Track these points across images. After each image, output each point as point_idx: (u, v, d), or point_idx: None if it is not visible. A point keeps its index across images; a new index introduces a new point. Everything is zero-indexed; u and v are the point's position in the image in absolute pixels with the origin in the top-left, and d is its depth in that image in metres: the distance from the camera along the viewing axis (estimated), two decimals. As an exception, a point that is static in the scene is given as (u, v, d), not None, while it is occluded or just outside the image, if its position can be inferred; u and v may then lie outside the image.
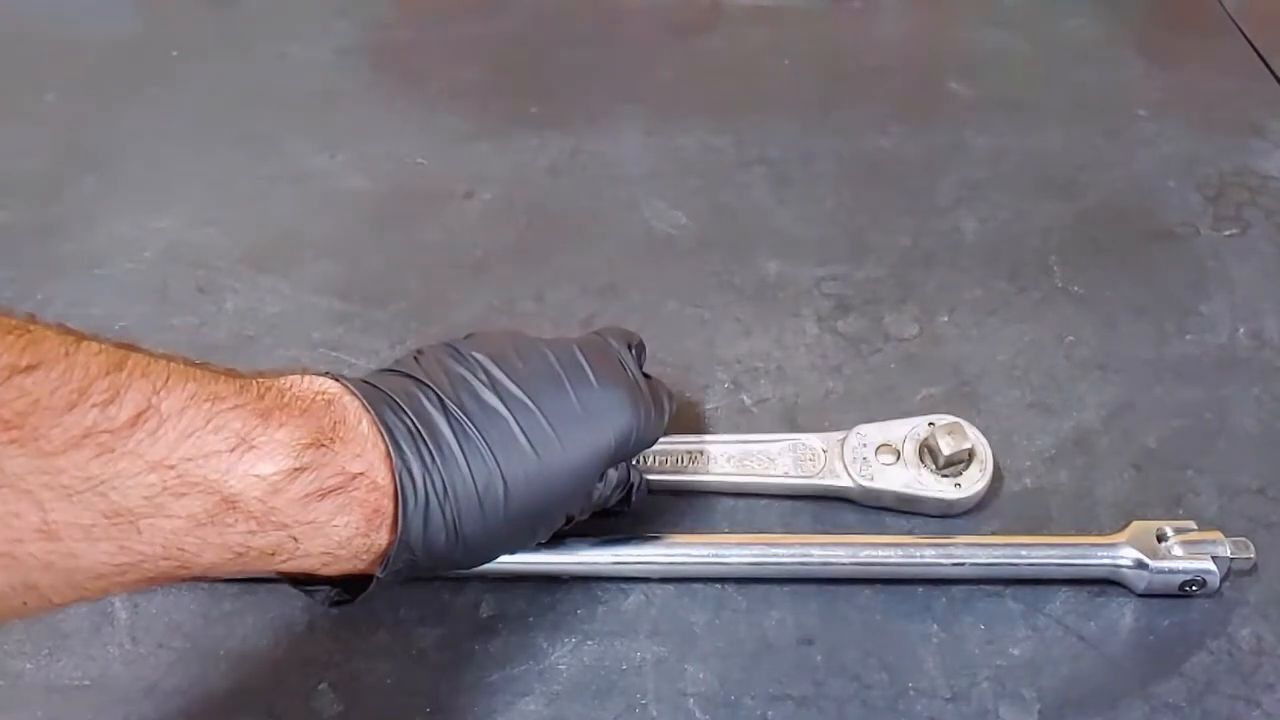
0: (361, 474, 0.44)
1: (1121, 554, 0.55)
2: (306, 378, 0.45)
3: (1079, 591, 0.56)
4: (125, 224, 0.81)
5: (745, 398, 0.67)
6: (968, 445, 0.59)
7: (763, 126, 0.84)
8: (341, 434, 0.44)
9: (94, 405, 0.36)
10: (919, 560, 0.56)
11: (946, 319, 0.72)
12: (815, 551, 0.56)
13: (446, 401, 0.47)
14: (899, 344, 0.66)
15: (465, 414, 0.47)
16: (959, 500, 0.59)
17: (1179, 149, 0.87)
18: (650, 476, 0.61)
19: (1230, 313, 0.72)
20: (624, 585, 0.57)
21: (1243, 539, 0.55)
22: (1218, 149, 0.87)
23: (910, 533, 0.59)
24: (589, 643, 0.55)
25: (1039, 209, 0.81)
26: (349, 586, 0.47)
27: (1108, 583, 0.56)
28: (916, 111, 0.92)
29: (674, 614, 0.56)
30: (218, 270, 0.77)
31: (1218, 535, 0.55)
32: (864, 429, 0.62)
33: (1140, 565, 0.55)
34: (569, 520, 0.53)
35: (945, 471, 0.59)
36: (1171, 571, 0.54)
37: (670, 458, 0.62)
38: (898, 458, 0.60)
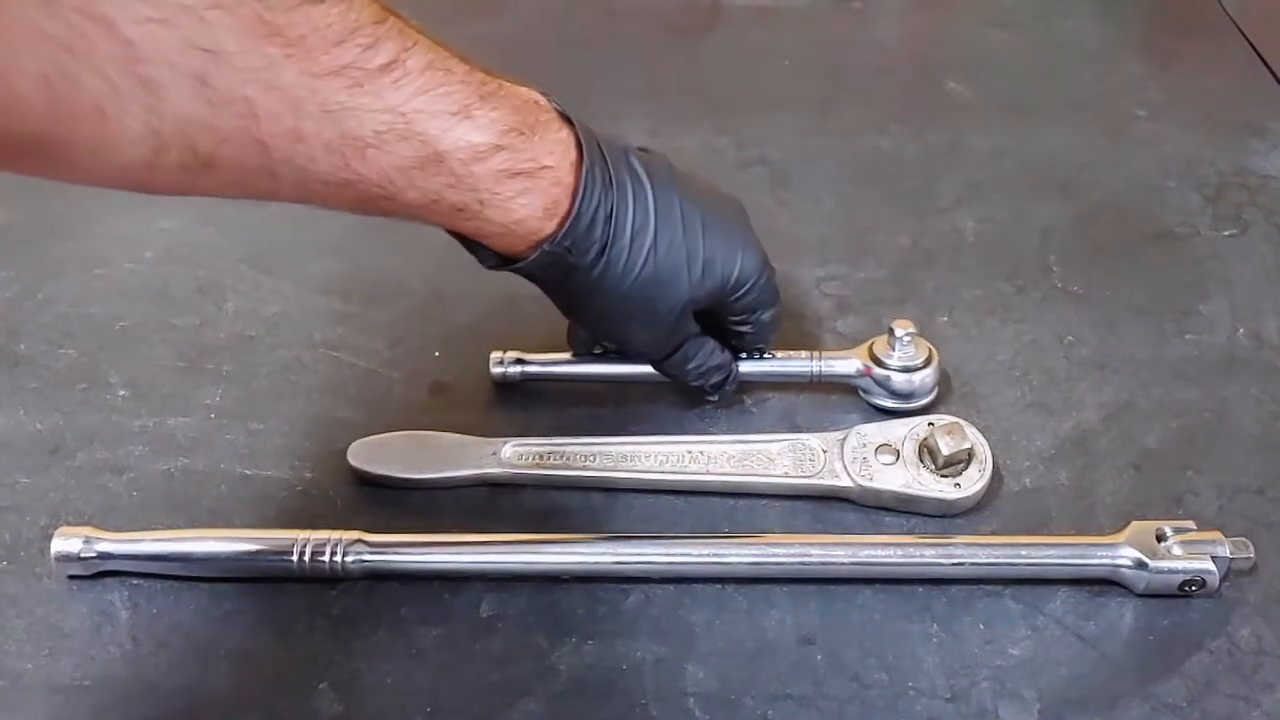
0: (550, 168, 0.51)
1: (1121, 554, 0.55)
2: (527, 88, 0.53)
3: (1078, 591, 0.56)
4: (125, 224, 0.81)
5: (745, 397, 0.67)
6: (967, 445, 0.59)
7: (763, 126, 0.84)
8: (542, 133, 0.51)
9: (357, 45, 0.43)
10: (918, 560, 0.56)
11: (946, 319, 0.72)
12: (815, 551, 0.56)
13: (633, 161, 0.56)
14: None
15: (646, 175, 0.56)
16: (958, 500, 0.59)
17: (1178, 149, 0.87)
18: (650, 476, 0.61)
19: (1230, 313, 0.72)
20: (624, 585, 0.57)
21: (1242, 539, 0.55)
22: (1217, 149, 0.87)
23: (910, 533, 0.59)
24: (589, 643, 0.55)
25: (1038, 209, 0.81)
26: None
27: (1107, 583, 0.56)
28: (916, 112, 0.92)
29: (674, 614, 0.56)
30: (218, 270, 0.77)
31: (1217, 535, 0.55)
32: (863, 429, 0.62)
33: (1140, 565, 0.55)
34: (667, 357, 0.60)
35: (945, 471, 0.59)
36: (1171, 571, 0.55)
37: (670, 458, 0.62)
38: (897, 458, 0.60)
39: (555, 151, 0.52)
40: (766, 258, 0.61)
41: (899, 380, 0.64)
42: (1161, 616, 0.55)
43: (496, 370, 0.66)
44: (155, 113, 0.39)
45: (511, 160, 0.50)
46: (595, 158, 0.53)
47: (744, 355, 0.65)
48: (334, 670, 0.54)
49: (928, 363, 0.64)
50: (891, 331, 0.64)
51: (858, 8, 1.08)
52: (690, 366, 0.62)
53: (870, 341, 0.65)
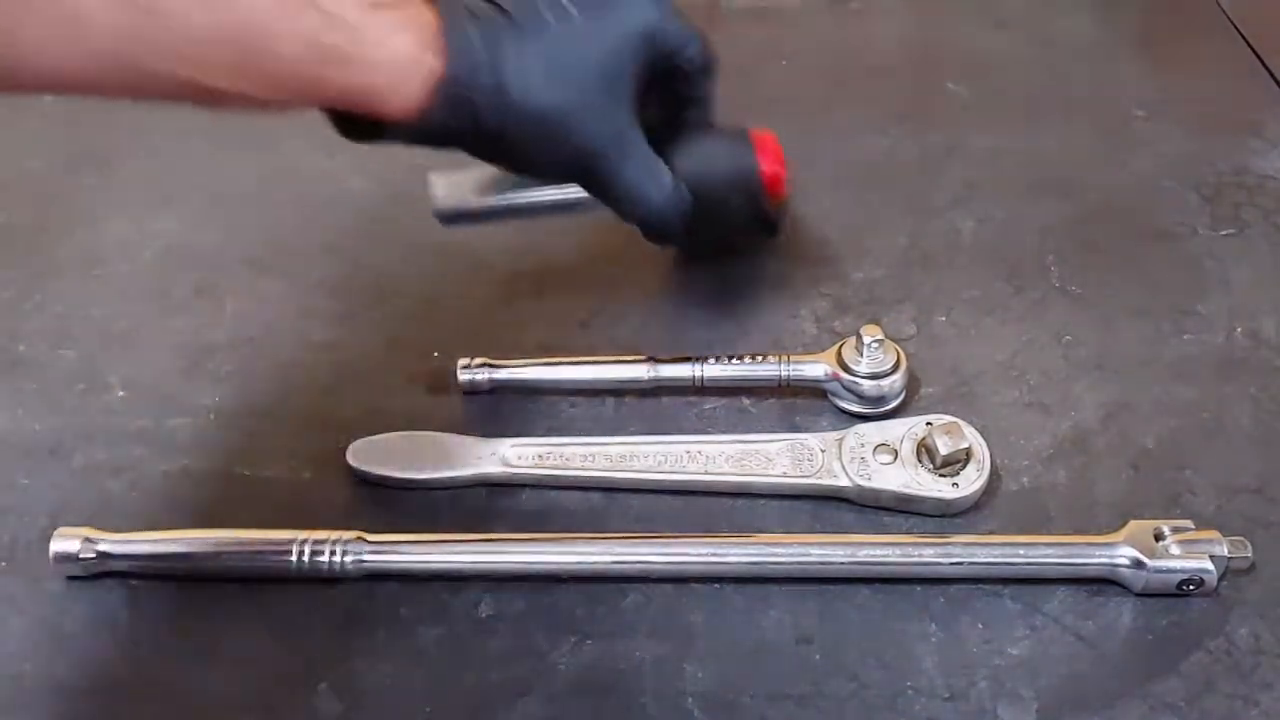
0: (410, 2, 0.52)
1: (1119, 553, 0.55)
2: None
3: (1077, 591, 0.56)
4: (125, 224, 0.81)
5: (744, 398, 0.67)
6: (965, 445, 0.59)
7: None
8: None
9: None
10: (917, 560, 0.56)
11: (944, 319, 0.72)
12: (813, 551, 0.56)
13: None
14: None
15: (499, 4, 0.54)
16: (957, 500, 0.59)
17: (1176, 149, 0.87)
18: (648, 476, 0.61)
19: (1228, 312, 0.72)
20: (623, 585, 0.57)
21: (1240, 538, 0.55)
22: (1215, 149, 0.87)
23: (908, 532, 0.59)
24: (588, 642, 0.55)
25: (1036, 209, 0.81)
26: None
27: (1105, 582, 0.56)
28: (914, 112, 0.92)
29: (673, 613, 0.56)
30: (217, 270, 0.77)
31: (1215, 534, 0.55)
32: (862, 429, 0.62)
33: (1138, 564, 0.55)
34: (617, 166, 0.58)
35: (943, 471, 0.59)
36: (1169, 571, 0.55)
37: (669, 458, 0.62)
38: (895, 457, 0.60)
39: None
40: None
41: (867, 386, 0.64)
42: (1160, 616, 0.55)
43: (464, 377, 0.66)
44: None
45: None
46: None
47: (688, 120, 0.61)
48: (334, 670, 0.54)
49: (896, 368, 0.64)
50: (859, 337, 0.64)
51: (856, 8, 1.08)
52: (638, 180, 0.59)
53: (839, 345, 0.65)
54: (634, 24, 0.57)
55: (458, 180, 0.65)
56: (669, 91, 0.62)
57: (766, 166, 0.62)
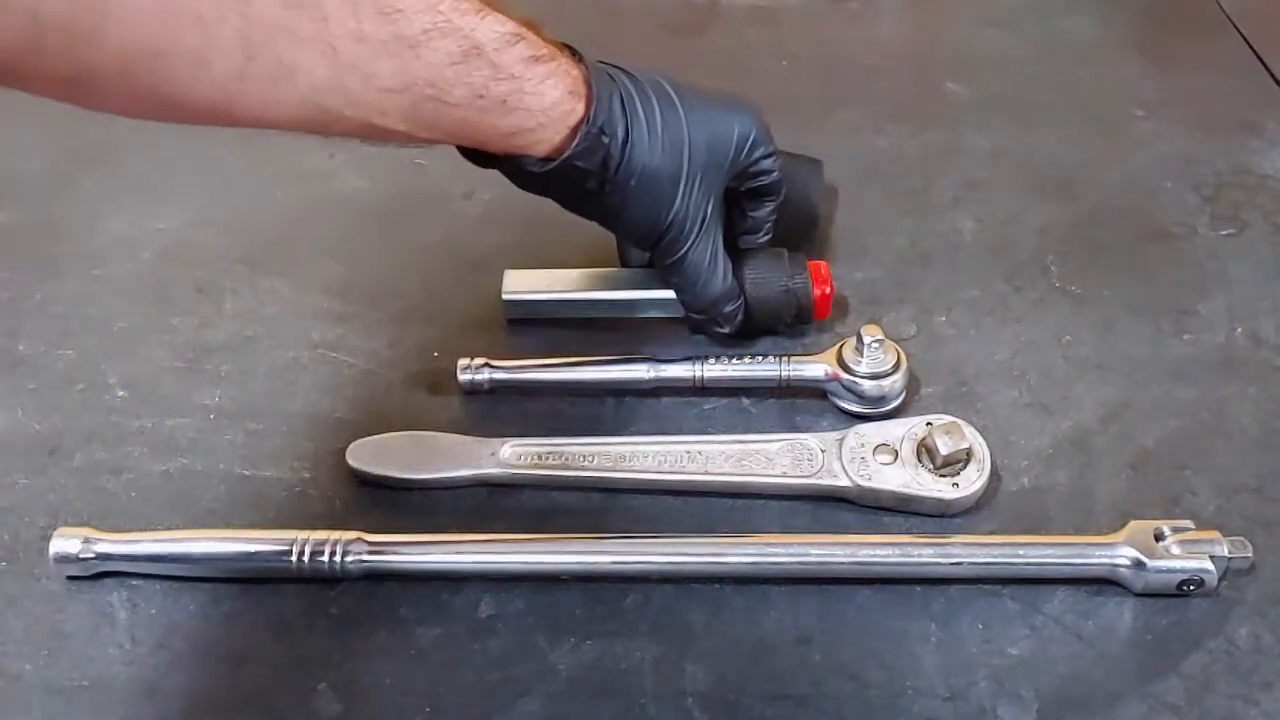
0: (559, 54, 0.58)
1: (1119, 553, 0.55)
2: None
3: (1077, 591, 0.56)
4: (125, 224, 0.81)
5: (744, 398, 0.67)
6: (965, 445, 0.59)
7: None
8: (538, 31, 0.57)
9: None
10: (917, 560, 0.56)
11: (944, 319, 0.72)
12: (813, 551, 0.56)
13: (615, 65, 0.62)
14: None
15: (631, 68, 0.62)
16: (957, 500, 0.59)
17: (1176, 149, 0.87)
18: (648, 476, 0.61)
19: (1227, 312, 0.72)
20: (623, 585, 0.57)
21: (1240, 538, 0.55)
22: (1215, 149, 0.87)
23: (908, 532, 0.59)
24: (588, 642, 0.55)
25: (1036, 209, 0.81)
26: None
27: (1106, 582, 0.56)
28: (914, 111, 0.92)
29: (673, 614, 0.56)
30: (217, 271, 0.77)
31: (1215, 535, 0.55)
32: (862, 429, 0.62)
33: (1138, 565, 0.55)
34: (691, 245, 0.64)
35: (943, 471, 0.59)
36: (1169, 571, 0.55)
37: (669, 458, 0.62)
38: (895, 457, 0.60)
39: (554, 45, 0.58)
40: (759, 113, 0.66)
41: (868, 386, 0.64)
42: (1160, 616, 0.55)
43: (464, 377, 0.66)
44: (245, 18, 0.45)
45: (531, 48, 0.56)
46: (585, 57, 0.60)
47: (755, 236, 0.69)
48: (334, 670, 0.54)
49: (896, 368, 0.64)
50: (859, 337, 0.64)
51: (855, 7, 1.08)
52: (707, 263, 0.65)
53: (839, 346, 0.66)
54: (742, 126, 0.64)
55: (527, 276, 0.72)
56: (738, 209, 0.69)
57: (818, 291, 0.69)
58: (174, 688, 0.53)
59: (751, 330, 0.70)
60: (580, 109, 0.58)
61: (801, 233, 0.75)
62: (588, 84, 0.58)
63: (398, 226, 0.81)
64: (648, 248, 0.67)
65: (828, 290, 0.69)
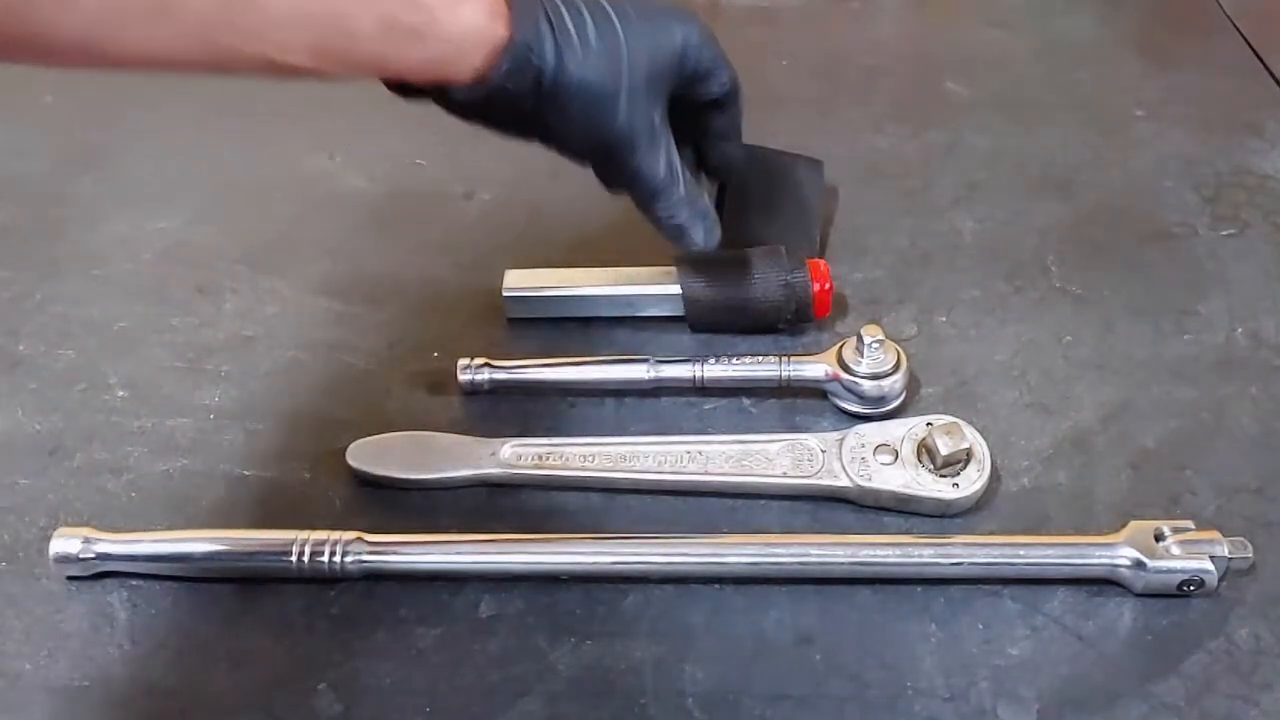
0: None
1: (1119, 554, 0.55)
2: None
3: (1077, 591, 0.56)
4: (125, 224, 0.81)
5: (744, 398, 0.67)
6: (965, 445, 0.59)
7: (761, 126, 0.84)
8: None
9: None
10: (917, 560, 0.56)
11: (944, 319, 0.72)
12: (813, 551, 0.56)
13: None
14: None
15: None
16: (957, 500, 0.59)
17: (1177, 149, 0.87)
18: (648, 476, 0.61)
19: (1228, 312, 0.72)
20: (623, 585, 0.57)
21: (1240, 539, 0.55)
22: (1215, 149, 0.87)
23: (908, 532, 0.59)
24: (588, 643, 0.55)
25: (1037, 209, 0.81)
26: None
27: (1106, 582, 0.56)
28: (914, 111, 0.92)
29: (673, 614, 0.56)
30: (217, 270, 0.77)
31: (1215, 535, 0.55)
32: (862, 429, 0.62)
33: (1138, 565, 0.55)
34: (644, 166, 0.61)
35: (943, 471, 0.59)
36: (1169, 571, 0.55)
37: (669, 458, 0.62)
38: (896, 458, 0.60)
39: None
40: (703, 22, 0.62)
41: (868, 386, 0.64)
42: (1160, 616, 0.55)
43: (464, 378, 0.66)
44: None
45: None
46: None
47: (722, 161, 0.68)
48: (334, 670, 0.54)
49: (896, 368, 0.64)
50: (860, 338, 0.64)
51: (855, 7, 1.08)
52: (670, 163, 0.62)
53: (839, 346, 0.66)
54: (685, 31, 0.61)
55: (527, 275, 0.72)
56: (704, 124, 0.67)
57: (817, 287, 0.69)
58: (174, 687, 0.53)
59: (751, 329, 0.70)
60: (503, 30, 0.55)
61: (801, 232, 0.75)
62: (509, 4, 0.55)
63: (398, 226, 0.81)
64: (597, 166, 0.64)
65: (827, 287, 0.69)
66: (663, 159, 0.62)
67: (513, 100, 0.57)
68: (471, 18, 0.54)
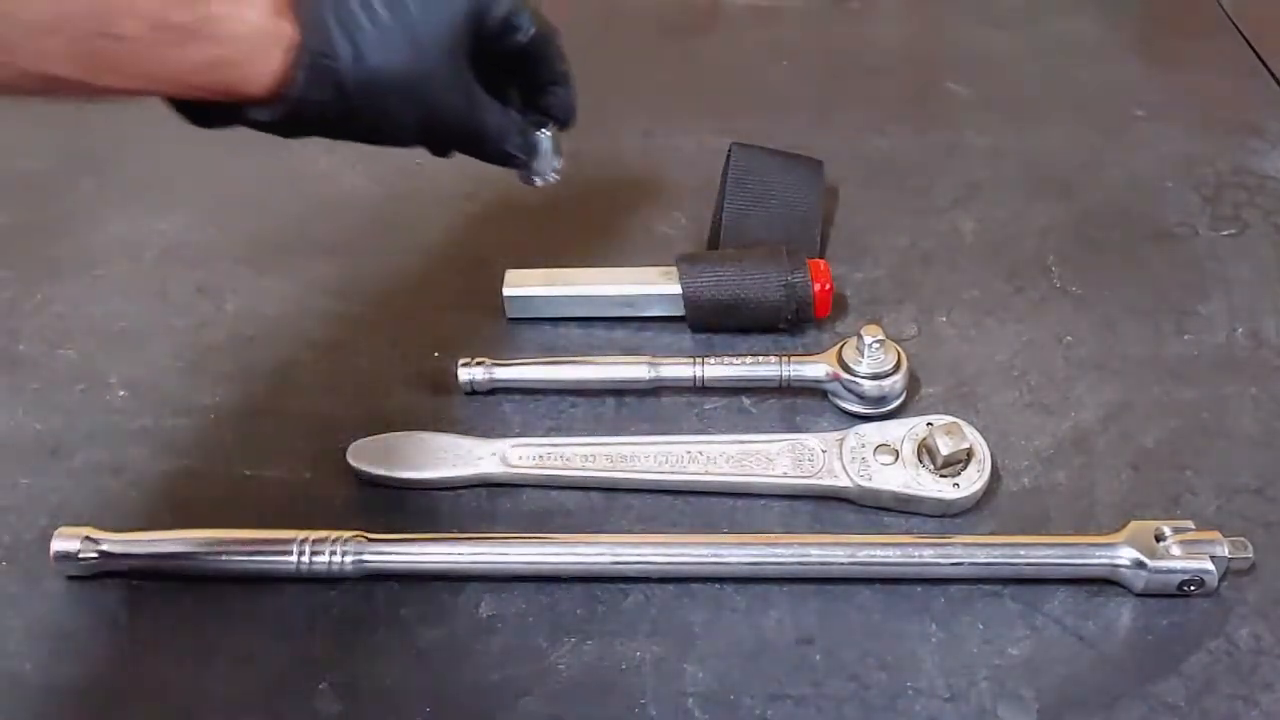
0: None
1: (1120, 554, 0.55)
2: None
3: (1077, 591, 0.56)
4: (125, 224, 0.81)
5: (744, 398, 0.67)
6: (966, 445, 0.59)
7: (762, 126, 0.84)
8: None
9: None
10: (917, 560, 0.56)
11: (945, 319, 0.72)
12: (814, 551, 0.56)
13: None
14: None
15: None
16: (957, 500, 0.59)
17: (1177, 149, 0.87)
18: (649, 476, 0.61)
19: (1228, 313, 0.72)
20: (623, 585, 0.57)
21: (1241, 539, 0.55)
22: (1216, 149, 0.87)
23: (909, 532, 0.59)
24: (588, 643, 0.55)
25: (1037, 209, 0.81)
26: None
27: (1106, 582, 0.56)
28: (915, 112, 0.92)
29: (673, 614, 0.56)
30: (217, 271, 0.77)
31: (1216, 535, 0.55)
32: (862, 429, 0.62)
33: (1138, 565, 0.55)
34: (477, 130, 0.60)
35: (943, 471, 0.59)
36: (1170, 571, 0.55)
37: (669, 458, 0.62)
38: (896, 458, 0.60)
39: None
40: None
41: (868, 386, 0.64)
42: (1160, 616, 0.55)
43: (465, 378, 0.66)
44: None
45: None
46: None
47: (554, 120, 0.66)
48: (334, 670, 0.54)
49: (896, 368, 0.64)
50: (860, 337, 0.64)
51: (856, 8, 1.08)
52: (499, 124, 0.61)
53: (839, 346, 0.66)
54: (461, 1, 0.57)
55: (528, 275, 0.72)
56: (530, 77, 0.64)
57: (817, 287, 0.69)
58: (174, 687, 0.53)
59: (752, 328, 0.70)
60: (289, 29, 0.51)
61: (801, 232, 0.75)
62: (291, 3, 0.51)
63: (398, 226, 0.81)
64: (424, 145, 0.61)
65: (827, 287, 0.69)
66: (486, 119, 0.60)
67: (318, 109, 0.53)
68: (253, 16, 0.50)
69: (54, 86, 0.46)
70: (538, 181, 0.68)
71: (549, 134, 0.66)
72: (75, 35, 0.44)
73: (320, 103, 0.53)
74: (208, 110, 0.53)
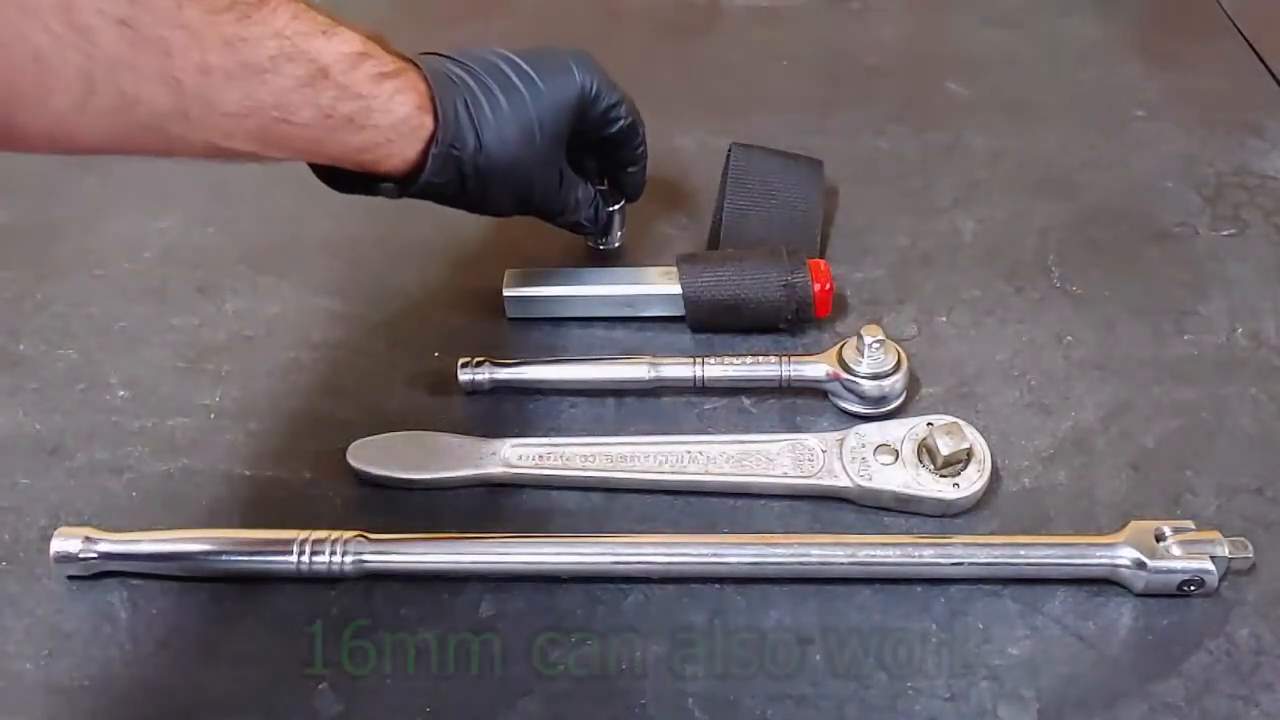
0: (406, 69, 0.58)
1: (1120, 554, 0.55)
2: None
3: (1077, 591, 0.56)
4: (125, 224, 0.81)
5: (744, 398, 0.67)
6: (966, 445, 0.59)
7: (762, 126, 0.84)
8: (384, 45, 0.58)
9: None
10: (918, 560, 0.56)
11: (945, 319, 0.72)
12: (814, 551, 0.56)
13: (451, 56, 0.62)
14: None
15: (467, 59, 0.62)
16: (957, 500, 0.59)
17: (1177, 149, 0.87)
18: (649, 476, 0.61)
19: (1228, 313, 0.72)
20: (623, 585, 0.57)
21: (1241, 539, 0.55)
22: (1216, 149, 0.87)
23: (909, 532, 0.59)
24: (589, 643, 0.55)
25: (1037, 209, 0.81)
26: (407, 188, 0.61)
27: (1106, 582, 0.56)
28: (915, 111, 0.92)
29: (673, 614, 0.56)
30: (217, 270, 0.77)
31: (1216, 535, 0.55)
32: (863, 429, 0.62)
33: (1139, 565, 0.55)
34: (553, 194, 0.67)
35: (944, 471, 0.59)
36: (1170, 571, 0.55)
37: (669, 458, 0.62)
38: (896, 458, 0.60)
39: (399, 58, 0.58)
40: (595, 64, 0.66)
41: (868, 386, 0.64)
42: (1160, 616, 0.55)
43: (465, 377, 0.66)
44: (88, 55, 0.44)
45: (378, 65, 0.56)
46: (427, 60, 0.60)
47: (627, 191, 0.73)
48: (334, 670, 0.54)
49: (896, 368, 0.64)
50: (860, 337, 0.64)
51: (856, 8, 1.08)
52: (579, 199, 0.69)
53: (839, 346, 0.66)
54: (583, 79, 0.65)
55: (528, 275, 0.73)
56: (612, 157, 0.71)
57: (817, 287, 0.70)
58: (174, 687, 0.53)
59: (751, 328, 0.70)
60: (429, 122, 0.58)
61: (801, 233, 0.75)
62: (433, 99, 0.58)
63: (398, 226, 0.81)
64: (513, 214, 0.68)
65: (827, 287, 0.69)
66: (571, 196, 0.68)
67: (438, 189, 0.61)
68: (403, 110, 0.57)
69: (229, 157, 0.52)
70: (600, 246, 0.76)
71: (619, 209, 0.74)
72: (261, 122, 0.52)
73: (442, 183, 0.60)
74: (346, 177, 0.60)
